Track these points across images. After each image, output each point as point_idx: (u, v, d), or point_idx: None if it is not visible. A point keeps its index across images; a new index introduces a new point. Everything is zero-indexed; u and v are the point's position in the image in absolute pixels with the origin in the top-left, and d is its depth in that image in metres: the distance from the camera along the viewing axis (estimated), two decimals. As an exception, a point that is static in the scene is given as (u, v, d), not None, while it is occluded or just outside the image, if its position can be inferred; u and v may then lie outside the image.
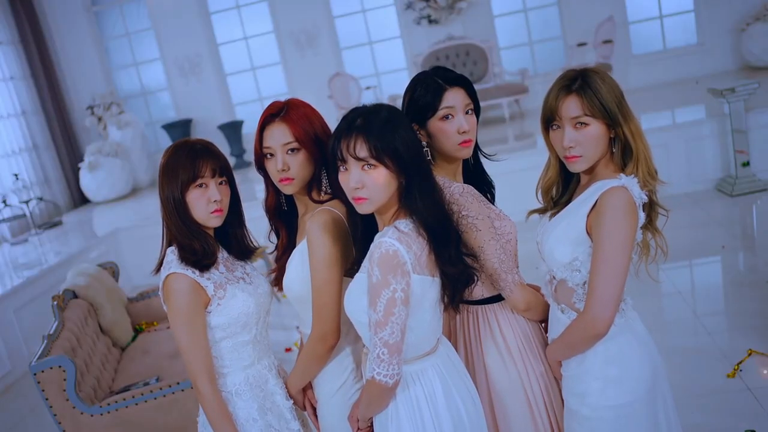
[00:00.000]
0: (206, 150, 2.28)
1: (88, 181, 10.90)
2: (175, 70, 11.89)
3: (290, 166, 2.21)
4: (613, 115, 2.04)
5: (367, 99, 10.69)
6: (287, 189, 2.26)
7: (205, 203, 2.26)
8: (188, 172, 2.23)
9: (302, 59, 11.56)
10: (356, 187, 1.92)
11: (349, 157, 1.92)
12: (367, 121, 1.91)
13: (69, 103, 11.92)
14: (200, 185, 2.25)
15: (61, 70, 11.85)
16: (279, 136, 2.21)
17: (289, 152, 2.21)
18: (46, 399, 3.61)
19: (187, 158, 2.24)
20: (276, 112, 2.24)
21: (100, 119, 11.56)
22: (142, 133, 11.75)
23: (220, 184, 2.30)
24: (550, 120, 2.13)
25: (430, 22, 10.99)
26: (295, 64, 11.64)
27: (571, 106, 2.05)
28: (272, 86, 12.01)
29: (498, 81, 10.64)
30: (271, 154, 2.24)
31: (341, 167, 1.96)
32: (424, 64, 10.47)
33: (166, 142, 12.11)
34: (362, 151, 1.90)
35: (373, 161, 1.90)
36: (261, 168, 2.32)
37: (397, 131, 1.92)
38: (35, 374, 3.59)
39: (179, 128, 11.66)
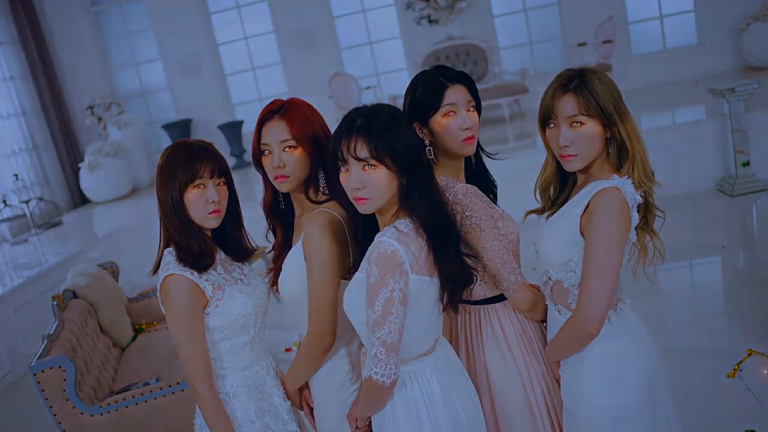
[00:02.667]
0: (205, 150, 2.27)
1: (88, 181, 10.89)
2: (175, 70, 11.90)
3: (286, 163, 2.21)
4: (610, 115, 2.04)
5: (367, 99, 10.69)
6: (283, 186, 2.26)
7: (203, 204, 2.26)
8: (186, 173, 2.23)
9: (302, 59, 11.57)
10: (357, 187, 1.92)
11: (350, 157, 1.92)
12: (367, 122, 1.92)
13: (69, 102, 11.93)
14: (198, 186, 2.25)
15: (61, 70, 11.86)
16: (277, 133, 2.21)
17: (286, 150, 2.21)
18: (46, 399, 3.61)
19: (186, 159, 2.23)
20: (276, 110, 2.24)
21: (100, 119, 11.55)
22: (142, 133, 11.75)
23: (219, 185, 2.30)
24: (546, 118, 2.13)
25: (430, 22, 11.00)
26: (294, 64, 11.64)
27: (568, 105, 2.05)
28: (272, 86, 12.02)
29: (498, 81, 10.64)
30: (269, 151, 2.24)
31: (342, 167, 1.97)
32: (424, 64, 10.46)
33: (166, 141, 12.11)
34: (363, 151, 1.90)
35: (373, 162, 1.90)
36: (258, 165, 2.32)
37: (397, 131, 1.92)
38: (35, 374, 3.59)
39: (179, 128, 11.66)
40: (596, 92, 2.03)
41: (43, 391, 3.60)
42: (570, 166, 2.12)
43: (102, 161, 10.85)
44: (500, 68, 10.79)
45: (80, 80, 11.92)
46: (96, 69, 11.97)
